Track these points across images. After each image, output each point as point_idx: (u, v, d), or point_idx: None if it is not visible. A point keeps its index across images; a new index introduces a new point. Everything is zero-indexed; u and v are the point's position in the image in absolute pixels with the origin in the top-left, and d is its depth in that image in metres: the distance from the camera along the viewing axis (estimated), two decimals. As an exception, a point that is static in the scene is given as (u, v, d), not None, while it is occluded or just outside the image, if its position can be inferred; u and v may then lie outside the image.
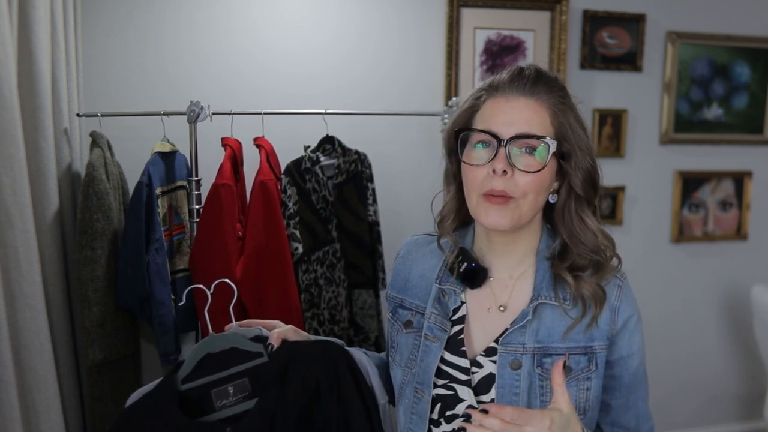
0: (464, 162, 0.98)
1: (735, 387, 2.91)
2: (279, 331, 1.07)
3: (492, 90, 0.98)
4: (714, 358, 2.87)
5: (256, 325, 1.10)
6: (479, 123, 0.98)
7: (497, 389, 0.96)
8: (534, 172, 0.93)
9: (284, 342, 1.06)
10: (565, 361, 0.94)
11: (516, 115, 0.94)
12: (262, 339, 1.07)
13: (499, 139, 0.93)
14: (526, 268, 1.02)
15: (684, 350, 2.82)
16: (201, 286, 1.10)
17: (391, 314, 1.12)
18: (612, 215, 2.64)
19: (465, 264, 1.01)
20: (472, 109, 1.00)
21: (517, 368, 0.96)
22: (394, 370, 1.09)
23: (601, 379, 0.98)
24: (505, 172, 0.92)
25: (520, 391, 0.95)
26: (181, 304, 1.08)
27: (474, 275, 1.02)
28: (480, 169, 0.95)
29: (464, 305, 1.03)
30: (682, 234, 2.75)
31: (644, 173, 2.67)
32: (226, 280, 1.12)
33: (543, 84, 0.96)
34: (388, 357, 1.13)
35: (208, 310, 1.07)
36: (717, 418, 2.91)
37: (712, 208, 2.77)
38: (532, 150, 0.94)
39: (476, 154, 0.96)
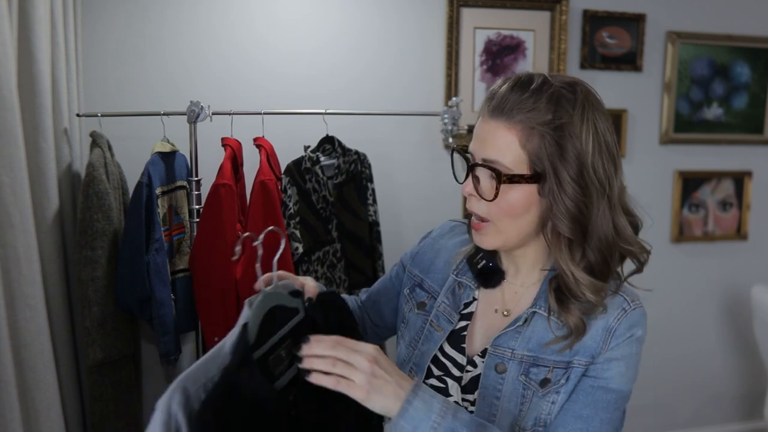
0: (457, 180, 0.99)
1: (735, 387, 2.91)
2: (312, 285, 1.00)
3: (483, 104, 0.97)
4: (714, 358, 2.87)
5: (285, 278, 0.99)
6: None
7: (480, 389, 0.96)
8: (487, 200, 0.91)
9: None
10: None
11: (485, 137, 0.91)
12: (295, 294, 0.98)
13: (468, 163, 0.93)
14: (538, 278, 1.00)
15: (684, 350, 2.82)
16: (249, 233, 0.94)
17: (409, 291, 1.12)
18: (612, 215, 2.64)
19: (484, 262, 1.01)
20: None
21: (502, 372, 0.95)
22: (400, 345, 1.10)
23: (567, 395, 0.92)
24: (471, 194, 0.93)
25: (502, 395, 0.94)
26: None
27: (489, 274, 1.02)
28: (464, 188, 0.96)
29: (476, 302, 1.03)
30: (682, 234, 2.75)
31: (644, 173, 2.67)
32: (274, 227, 0.97)
33: (516, 101, 0.88)
34: (398, 329, 1.13)
35: (260, 263, 0.94)
36: (717, 418, 2.91)
37: (712, 208, 2.77)
38: (491, 176, 0.90)
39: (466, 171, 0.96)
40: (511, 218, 0.92)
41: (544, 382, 0.93)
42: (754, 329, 2.56)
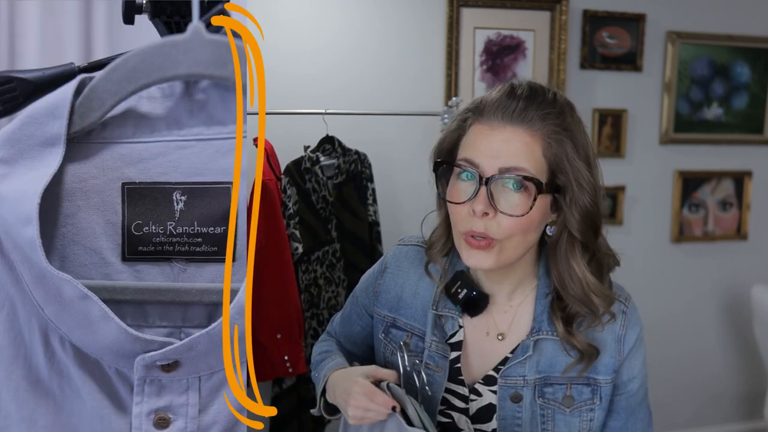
0: (445, 199, 0.89)
1: (735, 387, 2.91)
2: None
3: (478, 113, 0.87)
4: (714, 358, 2.87)
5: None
6: (463, 150, 0.87)
7: (498, 420, 0.93)
8: (517, 216, 0.83)
9: None
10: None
11: (501, 146, 0.83)
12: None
13: (480, 176, 0.83)
14: (527, 294, 0.96)
15: (684, 350, 2.82)
16: None
17: (383, 334, 1.03)
18: (612, 215, 2.64)
19: (465, 291, 0.94)
20: (458, 132, 0.90)
21: (518, 401, 0.92)
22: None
23: (605, 411, 0.94)
24: (486, 213, 0.83)
25: (522, 422, 0.93)
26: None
27: (476, 304, 0.96)
28: (461, 207, 0.85)
29: (461, 330, 0.98)
30: (682, 234, 2.75)
31: (644, 173, 2.67)
32: None
33: (536, 108, 0.84)
34: None
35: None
36: (717, 418, 2.91)
37: (712, 208, 2.77)
38: (518, 188, 0.83)
39: (459, 187, 0.86)
40: (523, 234, 0.85)
41: (568, 400, 0.92)
42: (754, 329, 2.56)
